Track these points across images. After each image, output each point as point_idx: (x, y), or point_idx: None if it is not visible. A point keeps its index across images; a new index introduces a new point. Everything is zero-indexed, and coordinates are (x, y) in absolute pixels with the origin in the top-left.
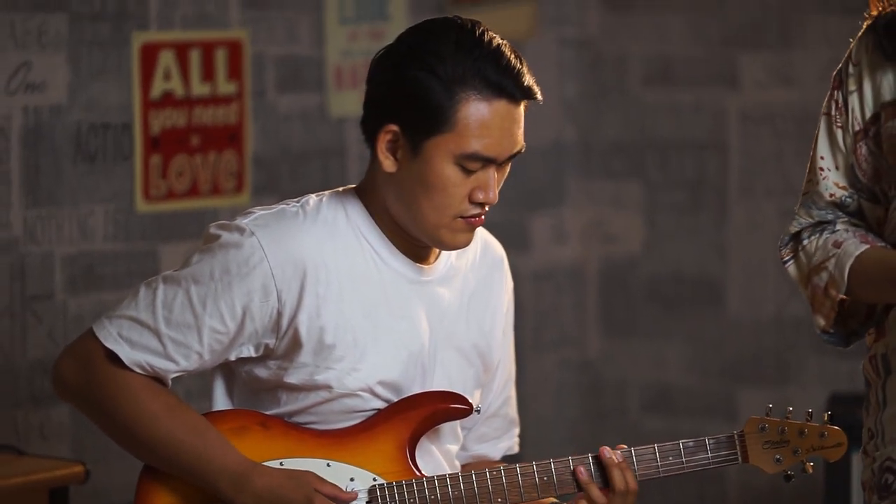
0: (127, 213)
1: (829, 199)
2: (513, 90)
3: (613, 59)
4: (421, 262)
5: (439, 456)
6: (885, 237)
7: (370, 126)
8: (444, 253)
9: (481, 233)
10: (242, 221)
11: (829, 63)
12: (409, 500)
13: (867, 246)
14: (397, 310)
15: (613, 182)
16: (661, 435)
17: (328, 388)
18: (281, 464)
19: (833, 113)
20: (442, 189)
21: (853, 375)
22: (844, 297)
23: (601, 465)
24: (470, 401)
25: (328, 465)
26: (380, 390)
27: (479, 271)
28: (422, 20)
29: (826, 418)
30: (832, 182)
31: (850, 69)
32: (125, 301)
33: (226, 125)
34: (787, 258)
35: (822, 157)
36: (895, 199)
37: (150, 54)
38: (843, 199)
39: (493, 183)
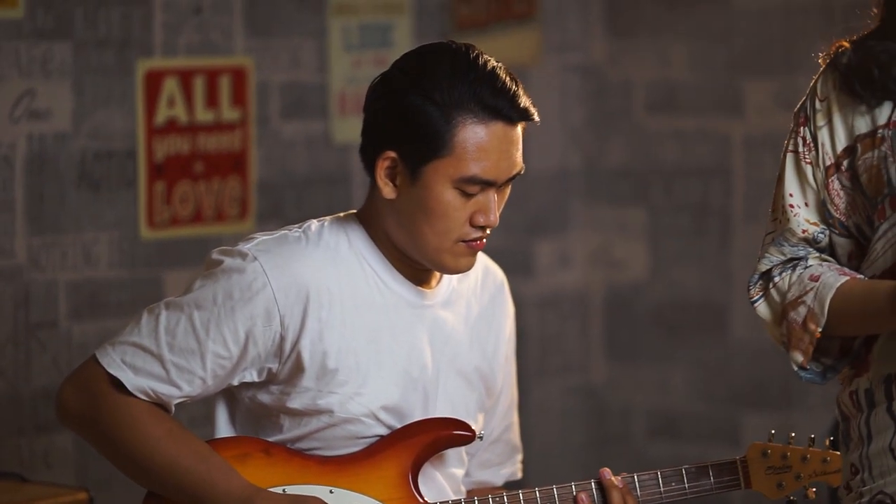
0: (131, 240)
1: (801, 235)
2: (509, 112)
3: (618, 85)
4: (423, 286)
5: (442, 481)
6: (861, 270)
7: (369, 153)
8: (445, 277)
9: (482, 258)
10: (245, 247)
11: None
12: None
13: (846, 278)
14: (400, 334)
15: (618, 208)
16: (665, 460)
17: (330, 412)
18: (284, 490)
19: (801, 150)
20: (442, 214)
21: None
22: (820, 332)
23: (604, 491)
24: (473, 427)
25: (331, 491)
26: (382, 415)
27: (480, 296)
28: (435, 42)
29: (828, 443)
30: (803, 218)
31: (818, 105)
32: (128, 327)
33: (230, 152)
34: (756, 297)
35: (790, 195)
36: (878, 230)
37: (154, 81)
38: (816, 234)
39: (493, 206)
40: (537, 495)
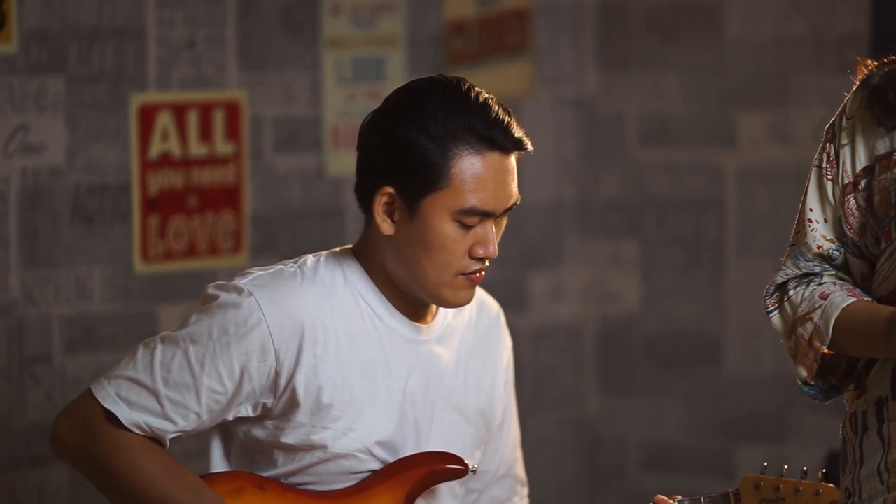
0: (125, 274)
1: (816, 251)
2: (504, 142)
3: (611, 117)
4: (419, 322)
5: None
6: (871, 292)
7: (365, 190)
8: (441, 312)
9: (477, 291)
10: (240, 282)
11: (826, 121)
12: None
13: (854, 299)
14: (395, 370)
15: (611, 240)
16: (659, 493)
17: (324, 447)
18: None
19: (824, 165)
20: (442, 247)
21: None
22: (827, 350)
23: None
24: (466, 461)
25: None
26: (376, 450)
27: (476, 330)
28: (425, 77)
29: (821, 476)
30: (820, 234)
31: (844, 122)
32: (123, 361)
33: (224, 186)
34: (772, 308)
35: (811, 209)
36: (884, 252)
37: (148, 115)
38: (831, 251)
39: (492, 237)
40: None
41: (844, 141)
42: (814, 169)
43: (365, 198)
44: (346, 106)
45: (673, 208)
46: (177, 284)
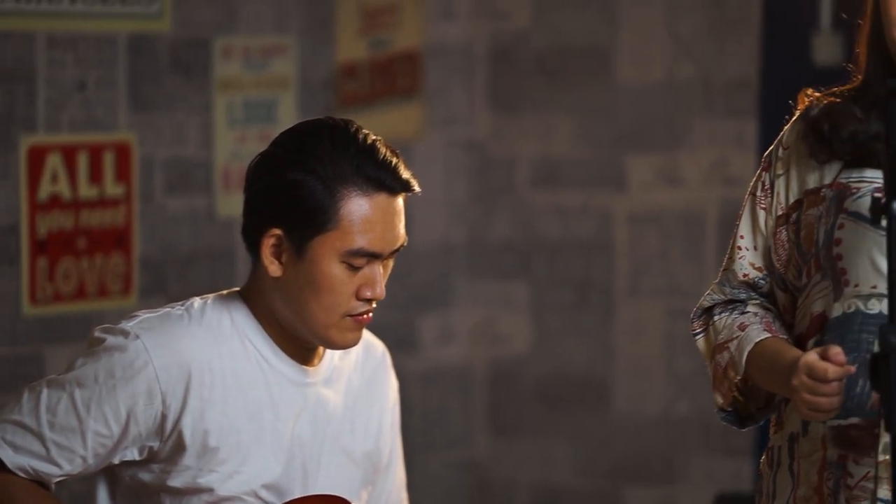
0: (13, 316)
1: (742, 278)
2: (392, 183)
3: (502, 160)
4: (306, 364)
5: None
6: (794, 325)
7: (252, 232)
8: (327, 354)
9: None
10: (127, 325)
11: (715, 164)
12: None
13: (769, 335)
14: (282, 412)
15: (501, 283)
16: None
17: (210, 490)
18: None
19: (758, 194)
20: (330, 288)
21: (740, 474)
22: (743, 379)
23: None
24: (353, 503)
25: None
26: (263, 493)
27: (362, 371)
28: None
29: None
30: (748, 262)
31: (780, 152)
32: (9, 405)
33: (113, 227)
34: (698, 331)
35: (741, 236)
36: (806, 288)
37: (37, 157)
38: (757, 279)
39: (379, 278)
40: None
41: (780, 171)
42: (749, 196)
43: (252, 240)
44: (237, 148)
45: (563, 251)
46: (65, 327)
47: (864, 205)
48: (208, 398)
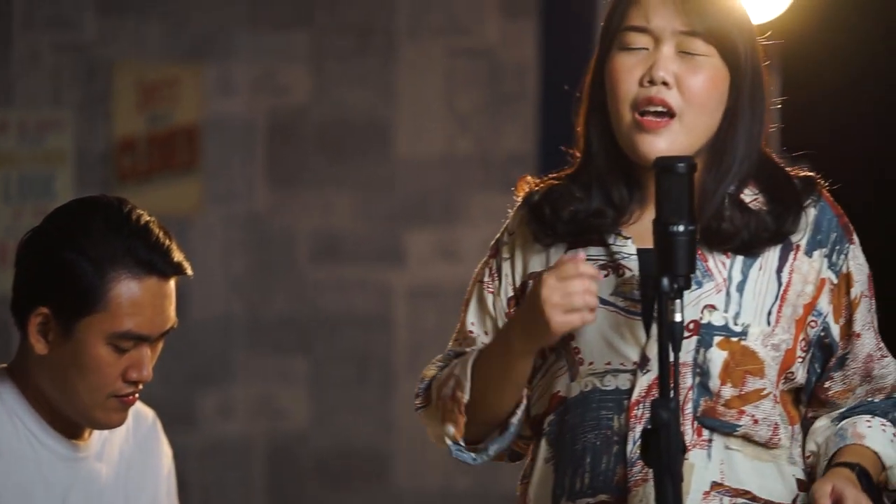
0: None
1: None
2: (163, 267)
3: (281, 234)
4: (76, 439)
5: None
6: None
7: (20, 309)
8: None
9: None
10: None
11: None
12: None
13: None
14: (53, 489)
15: (281, 357)
16: None
17: None
18: None
19: (486, 279)
20: (95, 369)
21: None
22: (467, 398)
23: None
24: None
25: None
26: None
27: (133, 440)
28: (86, 196)
29: None
30: (481, 342)
31: (506, 238)
32: None
33: None
34: (420, 406)
35: (472, 323)
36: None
37: None
38: None
39: (146, 361)
40: None
41: (506, 255)
42: (475, 283)
43: (20, 316)
44: (12, 223)
45: (342, 325)
46: None
47: None
48: None
